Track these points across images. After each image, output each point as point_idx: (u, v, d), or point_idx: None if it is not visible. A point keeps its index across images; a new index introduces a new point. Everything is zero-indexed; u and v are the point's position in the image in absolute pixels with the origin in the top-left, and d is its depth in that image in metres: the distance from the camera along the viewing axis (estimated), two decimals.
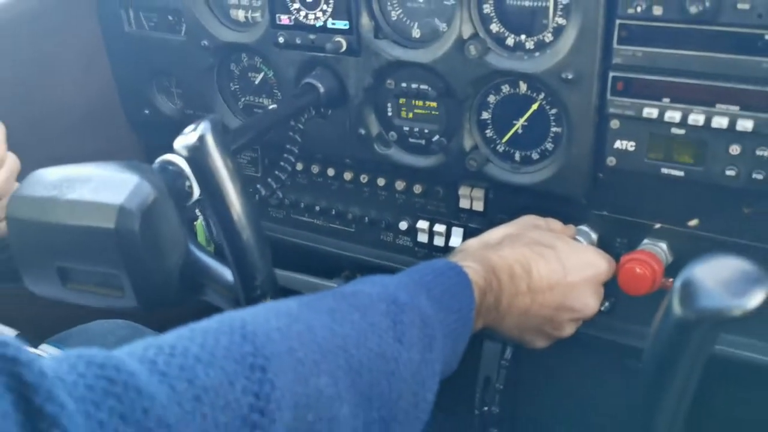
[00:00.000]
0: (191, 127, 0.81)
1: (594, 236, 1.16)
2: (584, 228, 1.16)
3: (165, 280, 0.84)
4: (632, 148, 1.03)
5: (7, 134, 1.04)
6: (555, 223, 1.12)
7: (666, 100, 0.98)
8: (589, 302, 1.02)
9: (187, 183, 0.89)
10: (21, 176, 1.03)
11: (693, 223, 1.06)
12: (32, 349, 0.99)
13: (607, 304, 1.15)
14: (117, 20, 1.44)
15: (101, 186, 0.81)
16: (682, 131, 0.98)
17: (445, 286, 0.83)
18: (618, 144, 1.04)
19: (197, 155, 0.80)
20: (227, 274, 0.85)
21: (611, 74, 1.01)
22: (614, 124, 1.04)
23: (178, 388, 0.55)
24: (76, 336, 1.27)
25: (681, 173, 1.01)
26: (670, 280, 1.05)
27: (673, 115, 0.98)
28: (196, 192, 0.89)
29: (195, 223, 1.03)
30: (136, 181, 0.81)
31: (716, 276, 0.59)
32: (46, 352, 1.06)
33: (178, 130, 0.84)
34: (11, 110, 1.27)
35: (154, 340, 0.59)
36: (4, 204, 0.96)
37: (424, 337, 0.76)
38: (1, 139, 1.00)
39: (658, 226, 1.10)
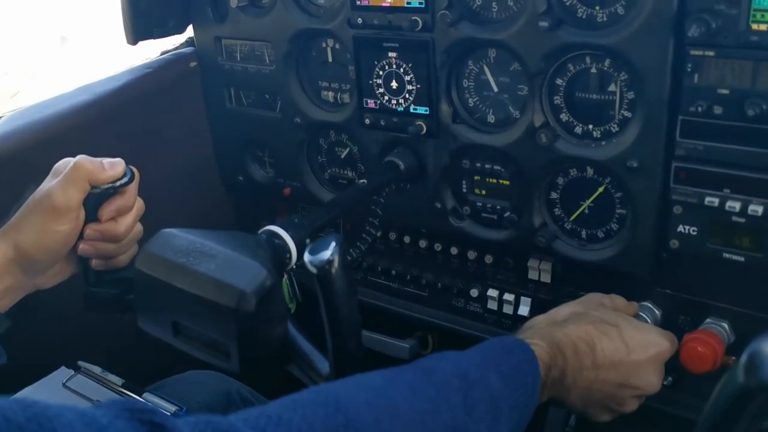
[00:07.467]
0: (322, 244, 0.89)
1: (658, 313, 1.21)
2: (648, 304, 1.21)
3: (267, 352, 0.95)
4: (695, 233, 1.10)
5: None
6: (620, 300, 1.18)
7: (726, 190, 1.04)
8: (652, 380, 1.06)
9: (287, 255, 1.01)
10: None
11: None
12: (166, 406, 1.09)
13: (670, 378, 1.19)
14: (220, 98, 1.60)
15: (225, 265, 0.93)
16: (742, 219, 1.04)
17: (513, 363, 0.91)
18: (681, 228, 1.11)
19: (325, 273, 0.88)
20: (314, 354, 0.96)
21: (674, 164, 1.08)
22: (677, 209, 1.10)
23: None
24: (173, 384, 1.38)
25: (742, 258, 1.06)
26: (732, 358, 1.09)
27: (734, 205, 1.04)
28: (294, 261, 1.01)
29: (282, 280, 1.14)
30: (257, 269, 0.92)
31: None
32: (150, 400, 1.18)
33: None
34: None
35: (264, 410, 0.70)
36: (127, 240, 1.10)
37: (492, 410, 0.85)
38: (135, 185, 1.12)
39: (720, 306, 1.15)
